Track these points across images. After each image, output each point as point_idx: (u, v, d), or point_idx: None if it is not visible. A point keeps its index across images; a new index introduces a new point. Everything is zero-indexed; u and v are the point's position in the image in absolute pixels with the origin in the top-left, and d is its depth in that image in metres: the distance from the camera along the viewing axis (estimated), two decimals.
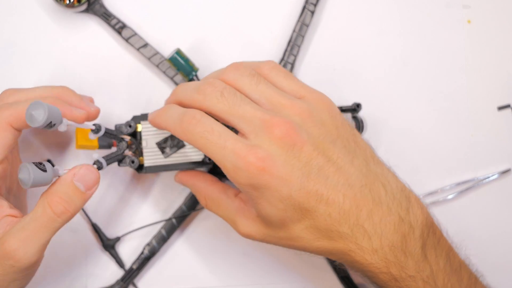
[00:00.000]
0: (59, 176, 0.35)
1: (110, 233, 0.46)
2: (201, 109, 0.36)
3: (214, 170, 0.44)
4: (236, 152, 0.33)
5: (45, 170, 0.34)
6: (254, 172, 0.33)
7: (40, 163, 0.34)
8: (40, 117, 0.33)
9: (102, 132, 0.39)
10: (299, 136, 0.34)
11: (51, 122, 0.33)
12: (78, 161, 0.46)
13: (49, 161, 0.37)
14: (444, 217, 0.47)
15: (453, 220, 0.47)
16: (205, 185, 0.41)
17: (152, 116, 0.39)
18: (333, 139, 0.35)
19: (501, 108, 0.48)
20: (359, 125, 0.44)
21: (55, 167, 0.35)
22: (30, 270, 0.35)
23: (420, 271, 0.35)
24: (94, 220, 0.45)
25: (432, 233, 0.36)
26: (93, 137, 0.39)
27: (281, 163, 0.33)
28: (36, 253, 0.34)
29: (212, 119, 0.35)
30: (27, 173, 0.33)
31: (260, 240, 0.37)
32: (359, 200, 0.34)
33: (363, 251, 0.34)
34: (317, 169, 0.34)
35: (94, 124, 0.38)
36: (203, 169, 0.43)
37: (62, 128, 0.35)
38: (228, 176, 0.35)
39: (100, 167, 0.38)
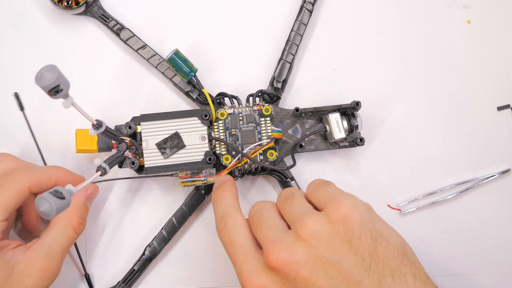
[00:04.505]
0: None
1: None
2: None
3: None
4: (240, 274, 0.34)
5: (63, 198, 0.33)
6: None
7: (56, 191, 0.33)
8: (48, 76, 0.32)
9: (103, 129, 0.38)
10: (292, 264, 0.32)
11: (58, 85, 0.33)
12: (78, 164, 0.46)
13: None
14: (444, 217, 0.47)
15: (453, 220, 0.47)
16: None
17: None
18: (341, 258, 0.33)
19: (501, 108, 0.48)
20: (354, 125, 0.44)
21: (67, 188, 0.34)
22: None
23: None
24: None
25: None
26: (94, 133, 0.39)
27: None
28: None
29: (241, 241, 0.36)
30: (48, 205, 0.33)
31: None
32: None
33: None
34: None
35: (96, 120, 0.38)
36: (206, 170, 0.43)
37: (66, 104, 0.34)
38: None
39: (104, 173, 0.37)
